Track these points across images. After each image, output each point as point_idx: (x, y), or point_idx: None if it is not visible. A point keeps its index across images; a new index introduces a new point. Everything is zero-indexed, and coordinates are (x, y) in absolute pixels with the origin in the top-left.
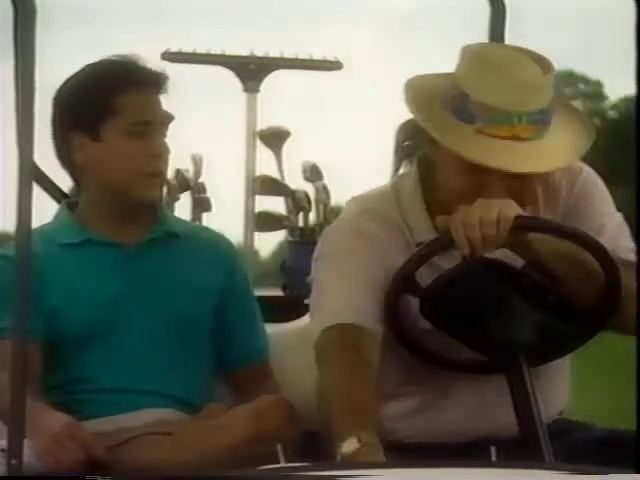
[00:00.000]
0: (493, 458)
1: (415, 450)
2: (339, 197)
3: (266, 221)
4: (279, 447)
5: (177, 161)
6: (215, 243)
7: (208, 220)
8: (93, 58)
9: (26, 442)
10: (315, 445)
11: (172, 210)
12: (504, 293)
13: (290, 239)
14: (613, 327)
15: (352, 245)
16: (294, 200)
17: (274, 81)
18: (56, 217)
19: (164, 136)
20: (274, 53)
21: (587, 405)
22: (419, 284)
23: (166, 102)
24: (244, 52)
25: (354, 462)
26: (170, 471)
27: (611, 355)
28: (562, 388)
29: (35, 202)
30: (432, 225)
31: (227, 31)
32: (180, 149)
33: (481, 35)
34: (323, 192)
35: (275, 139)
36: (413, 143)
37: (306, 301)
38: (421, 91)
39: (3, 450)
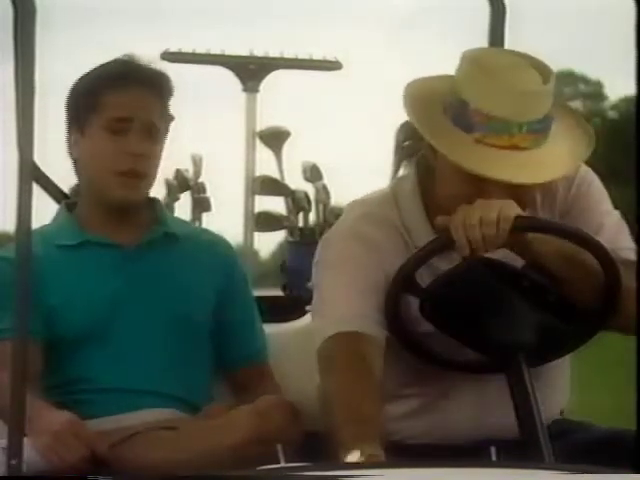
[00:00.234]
0: (493, 458)
1: (416, 451)
2: (339, 197)
3: (266, 221)
4: (279, 447)
5: (177, 161)
6: (214, 245)
7: (208, 220)
8: (93, 58)
9: (27, 440)
10: (315, 445)
11: (172, 210)
12: (504, 293)
13: (290, 239)
14: (613, 327)
15: (352, 250)
16: (294, 200)
17: (274, 81)
18: (55, 218)
19: (151, 137)
20: (274, 53)
21: (587, 404)
22: (419, 284)
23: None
24: (244, 52)
25: (355, 463)
26: (171, 470)
27: (611, 355)
28: (562, 388)
29: (35, 202)
30: (431, 228)
31: (227, 31)
32: (180, 149)
33: (481, 35)
34: (323, 192)
35: (275, 139)
36: (413, 143)
37: (308, 308)
38: (420, 96)
39: (3, 448)
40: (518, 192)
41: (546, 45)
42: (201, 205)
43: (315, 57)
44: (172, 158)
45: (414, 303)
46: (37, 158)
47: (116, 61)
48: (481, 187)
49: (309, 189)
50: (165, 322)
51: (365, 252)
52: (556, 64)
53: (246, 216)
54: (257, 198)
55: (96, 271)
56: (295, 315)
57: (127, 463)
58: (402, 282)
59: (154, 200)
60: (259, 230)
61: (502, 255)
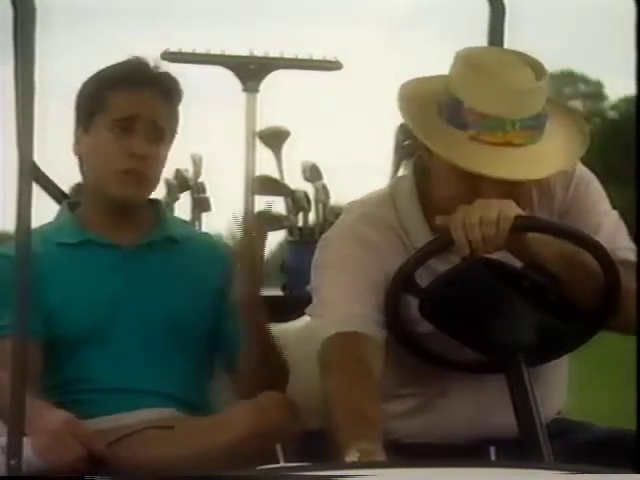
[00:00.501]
0: (493, 458)
1: (414, 450)
2: (339, 197)
3: (266, 221)
4: (279, 447)
5: (177, 161)
6: (214, 247)
7: (208, 220)
8: (93, 58)
9: (26, 440)
10: (315, 445)
11: (172, 210)
12: (504, 293)
13: (290, 239)
14: (613, 327)
15: (350, 250)
16: (294, 200)
17: (274, 81)
18: (57, 217)
19: (156, 138)
20: (274, 53)
21: (587, 404)
22: (418, 284)
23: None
24: (244, 52)
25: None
26: (169, 468)
27: (611, 354)
28: (560, 388)
29: (35, 202)
30: (428, 229)
31: (227, 31)
32: (180, 149)
33: (481, 35)
34: (323, 192)
35: (275, 139)
36: (413, 143)
37: (306, 310)
38: (415, 97)
39: (3, 448)
40: (514, 189)
41: (546, 45)
42: (201, 205)
43: (315, 57)
44: (172, 158)
45: (413, 303)
46: (37, 158)
47: (125, 62)
48: (476, 185)
49: (309, 189)
50: (163, 322)
51: (364, 252)
52: (556, 64)
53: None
54: (257, 198)
55: (95, 271)
56: (295, 315)
57: (125, 462)
58: (402, 282)
59: (156, 202)
60: None
61: (502, 255)
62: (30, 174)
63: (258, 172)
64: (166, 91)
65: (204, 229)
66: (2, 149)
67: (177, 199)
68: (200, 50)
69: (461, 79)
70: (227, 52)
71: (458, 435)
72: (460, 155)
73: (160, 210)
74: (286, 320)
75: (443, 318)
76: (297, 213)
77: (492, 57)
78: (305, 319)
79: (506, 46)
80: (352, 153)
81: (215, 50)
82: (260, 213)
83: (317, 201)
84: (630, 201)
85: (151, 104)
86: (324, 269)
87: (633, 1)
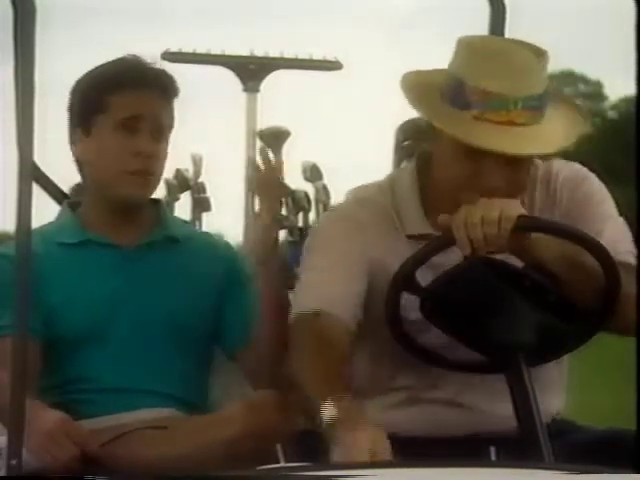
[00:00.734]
0: (493, 458)
1: (406, 442)
2: (339, 197)
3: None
4: (279, 447)
5: (177, 161)
6: (215, 247)
7: (208, 220)
8: (93, 58)
9: None
10: (315, 445)
11: (172, 210)
12: (505, 293)
13: (290, 239)
14: (612, 329)
15: (336, 232)
16: (294, 200)
17: (274, 81)
18: (58, 217)
19: (158, 136)
20: (274, 53)
21: (587, 405)
22: (419, 283)
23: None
24: (244, 52)
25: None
26: (165, 467)
27: (611, 355)
28: (559, 390)
29: (35, 202)
30: (424, 218)
31: (227, 31)
32: (180, 149)
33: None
34: (323, 192)
35: (275, 139)
36: (413, 143)
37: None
38: (417, 83)
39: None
40: (514, 171)
41: (546, 45)
42: (201, 205)
43: (315, 57)
44: (172, 158)
45: (413, 303)
46: (37, 158)
47: (121, 61)
48: (479, 165)
49: (309, 189)
50: (163, 322)
51: (349, 234)
52: (556, 64)
53: (246, 216)
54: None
55: (96, 270)
56: None
57: (120, 461)
58: (402, 281)
59: (157, 201)
60: None
61: (503, 255)
62: (30, 174)
63: None
64: (165, 89)
65: (204, 229)
66: (2, 149)
67: (177, 199)
68: (200, 50)
69: (463, 61)
70: (227, 52)
71: (449, 426)
72: (464, 132)
73: (161, 210)
74: None
75: (443, 317)
76: (297, 213)
77: (494, 41)
78: None
79: None
80: (352, 153)
81: (215, 50)
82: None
83: (317, 201)
84: (630, 201)
85: (153, 103)
86: (309, 252)
87: (633, 1)
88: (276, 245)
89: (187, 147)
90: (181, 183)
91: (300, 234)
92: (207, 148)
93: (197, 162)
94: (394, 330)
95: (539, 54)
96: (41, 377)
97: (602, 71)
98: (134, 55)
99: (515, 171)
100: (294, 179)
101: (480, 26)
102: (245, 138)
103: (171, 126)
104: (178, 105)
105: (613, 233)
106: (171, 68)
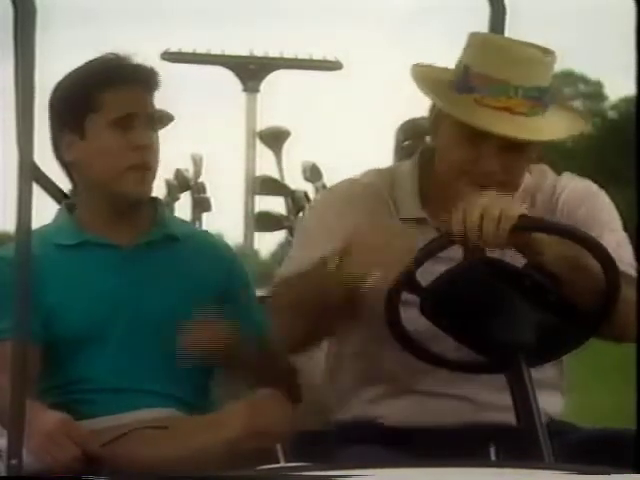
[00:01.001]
0: (493, 458)
1: (399, 432)
2: None
3: (266, 221)
4: (279, 447)
5: (177, 161)
6: (214, 246)
7: (208, 220)
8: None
9: None
10: (315, 445)
11: (172, 210)
12: (505, 293)
13: (290, 239)
14: (609, 334)
15: (327, 209)
16: (294, 200)
17: (274, 81)
18: (55, 218)
19: (151, 129)
20: (274, 53)
21: (587, 405)
22: (420, 283)
23: (158, 97)
24: (244, 52)
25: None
26: (166, 467)
27: (611, 355)
28: (558, 391)
29: (35, 202)
30: (420, 205)
31: (227, 31)
32: (180, 149)
33: None
34: None
35: (275, 139)
36: (413, 143)
37: None
38: (427, 72)
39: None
40: (512, 157)
41: (546, 45)
42: (201, 205)
43: (315, 57)
44: (172, 158)
45: (413, 302)
46: (37, 158)
47: (104, 58)
48: (477, 149)
49: (309, 189)
50: (163, 322)
51: (340, 210)
52: (556, 64)
53: (246, 216)
54: (257, 198)
55: (95, 271)
56: None
57: (121, 461)
58: (403, 281)
59: (155, 200)
60: (259, 230)
61: (502, 254)
62: (30, 174)
63: (258, 172)
64: (148, 81)
65: (204, 229)
66: (2, 149)
67: (177, 199)
68: (200, 50)
69: (472, 51)
70: (227, 52)
71: (443, 417)
72: (464, 113)
73: (159, 208)
74: None
75: (443, 317)
76: (297, 213)
77: (503, 37)
78: None
79: None
80: (352, 153)
81: (215, 50)
82: (260, 213)
83: None
84: (630, 201)
85: (143, 98)
86: (299, 229)
87: (633, 1)
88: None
89: (187, 147)
90: (181, 183)
91: None
92: (207, 148)
93: (197, 162)
94: (394, 330)
95: (546, 52)
96: (41, 378)
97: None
98: (113, 52)
99: (512, 159)
100: (294, 179)
101: (480, 26)
102: (245, 138)
103: (160, 119)
104: (178, 105)
105: (613, 243)
106: (171, 68)
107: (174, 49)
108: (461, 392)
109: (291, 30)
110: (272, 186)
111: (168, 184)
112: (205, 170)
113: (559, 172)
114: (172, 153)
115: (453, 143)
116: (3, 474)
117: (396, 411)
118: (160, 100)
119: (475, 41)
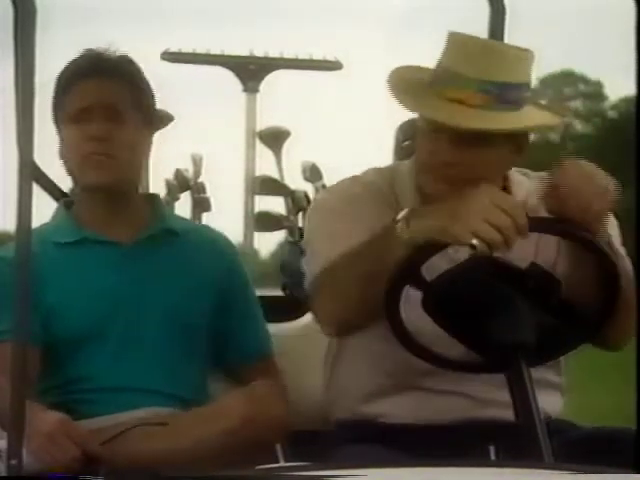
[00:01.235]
0: (493, 458)
1: (399, 430)
2: None
3: (266, 221)
4: (279, 447)
5: (177, 161)
6: (215, 242)
7: (208, 220)
8: None
9: None
10: (315, 445)
11: (172, 210)
12: (507, 292)
13: (290, 239)
14: (607, 340)
15: (337, 204)
16: (294, 200)
17: (274, 81)
18: (54, 216)
19: (113, 120)
20: (274, 53)
21: (587, 405)
22: (424, 278)
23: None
24: (244, 52)
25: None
26: (166, 462)
27: (610, 354)
28: (557, 391)
29: (35, 202)
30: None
31: (227, 31)
32: (180, 149)
33: (481, 35)
34: None
35: (275, 139)
36: (413, 143)
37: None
38: (404, 72)
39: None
40: (475, 151)
41: (546, 45)
42: (201, 205)
43: (315, 57)
44: (172, 158)
45: (414, 301)
46: (37, 158)
47: (75, 58)
48: (437, 141)
49: (309, 189)
50: (164, 319)
51: (349, 207)
52: (556, 64)
53: (246, 216)
54: (257, 198)
55: (94, 268)
56: (295, 315)
57: (121, 459)
58: (407, 275)
59: (153, 196)
60: (259, 230)
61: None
62: (30, 174)
63: (258, 172)
64: (119, 75)
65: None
66: (2, 149)
67: (177, 199)
68: (200, 50)
69: (445, 48)
70: (227, 52)
71: (443, 414)
72: (418, 105)
73: (157, 204)
74: (286, 320)
75: (445, 314)
76: (297, 213)
77: (476, 36)
78: (305, 319)
79: None
80: (352, 153)
81: (215, 50)
82: (260, 213)
83: None
84: (630, 201)
85: (105, 89)
86: (309, 230)
87: (633, 1)
88: None
89: (187, 147)
90: (181, 183)
91: (300, 234)
92: (207, 148)
93: (197, 162)
94: (393, 325)
95: (521, 49)
96: (40, 378)
97: (602, 71)
98: (90, 48)
99: (475, 153)
100: (294, 179)
101: (480, 26)
102: (245, 138)
103: (141, 110)
104: (178, 105)
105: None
106: (171, 68)
107: (174, 49)
108: (462, 389)
109: (291, 30)
110: (272, 186)
111: (168, 184)
112: (205, 170)
113: None
114: (172, 153)
115: (419, 138)
116: (3, 474)
117: (396, 408)
118: (160, 100)
119: (450, 39)
